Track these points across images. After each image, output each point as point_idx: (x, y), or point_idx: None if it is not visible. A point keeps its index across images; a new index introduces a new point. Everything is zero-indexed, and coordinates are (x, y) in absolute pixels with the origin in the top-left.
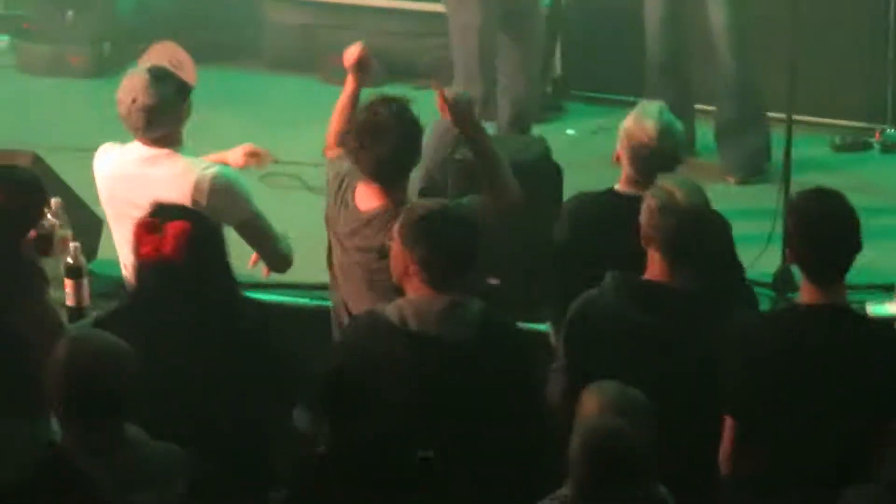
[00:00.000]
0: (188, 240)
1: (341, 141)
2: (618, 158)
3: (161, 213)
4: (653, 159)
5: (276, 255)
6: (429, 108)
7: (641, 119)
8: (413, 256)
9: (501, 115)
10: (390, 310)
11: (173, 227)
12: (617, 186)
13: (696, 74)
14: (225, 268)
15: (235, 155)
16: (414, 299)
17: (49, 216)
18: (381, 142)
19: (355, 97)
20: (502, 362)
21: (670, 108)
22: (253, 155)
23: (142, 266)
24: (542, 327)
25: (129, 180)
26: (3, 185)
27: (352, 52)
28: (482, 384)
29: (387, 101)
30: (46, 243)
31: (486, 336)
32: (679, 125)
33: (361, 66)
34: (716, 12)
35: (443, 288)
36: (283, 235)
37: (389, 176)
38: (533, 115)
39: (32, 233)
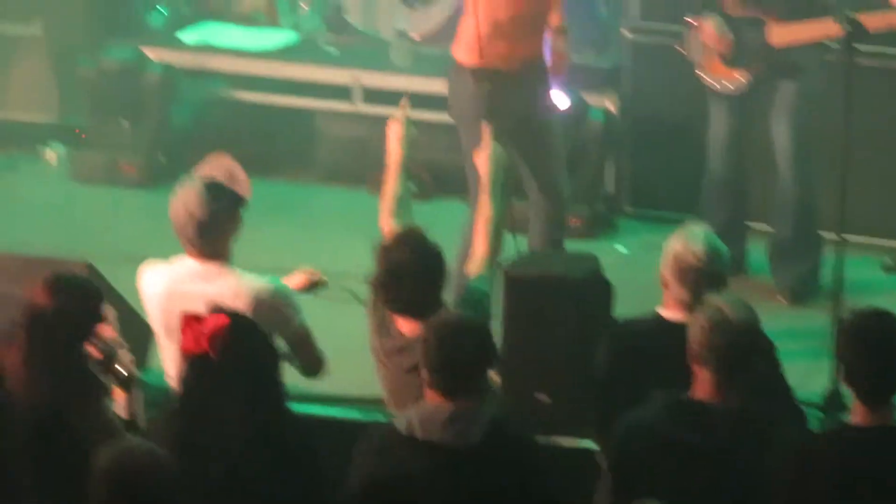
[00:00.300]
0: (228, 335)
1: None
2: (663, 281)
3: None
4: (700, 280)
5: (316, 362)
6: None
7: (688, 241)
8: (424, 363)
9: (533, 232)
10: (399, 419)
11: (214, 320)
12: (662, 310)
13: (753, 192)
14: (271, 376)
15: (291, 281)
16: (422, 407)
17: (108, 332)
18: (402, 285)
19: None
20: (509, 471)
21: (725, 225)
22: (309, 282)
23: (184, 361)
24: (590, 445)
25: (183, 296)
26: (61, 289)
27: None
28: (488, 492)
29: (402, 240)
30: (108, 363)
31: (493, 444)
32: (724, 246)
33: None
34: (779, 133)
35: (452, 395)
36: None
37: (419, 310)
38: (562, 228)
39: (97, 353)
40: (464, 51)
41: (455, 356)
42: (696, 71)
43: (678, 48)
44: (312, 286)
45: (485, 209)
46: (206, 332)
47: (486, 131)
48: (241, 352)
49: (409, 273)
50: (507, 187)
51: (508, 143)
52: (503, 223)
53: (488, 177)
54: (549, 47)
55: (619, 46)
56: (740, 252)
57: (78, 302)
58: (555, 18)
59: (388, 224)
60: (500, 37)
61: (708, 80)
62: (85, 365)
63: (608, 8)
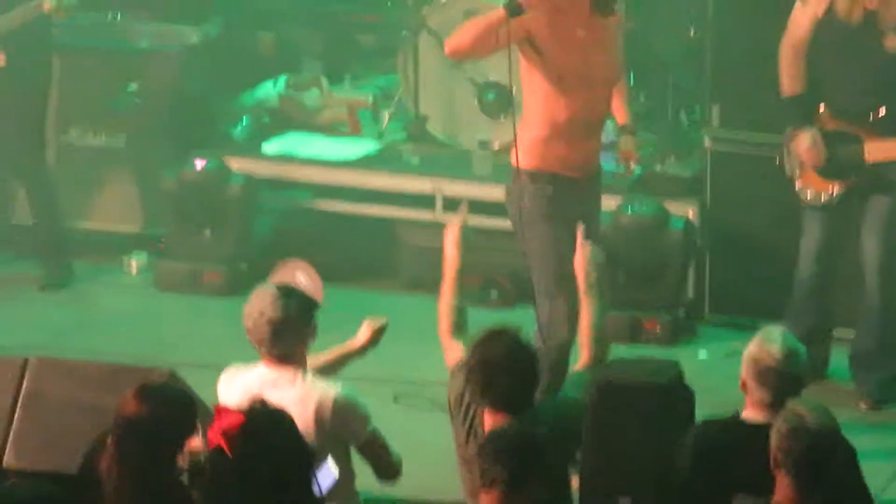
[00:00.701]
0: (243, 433)
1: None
2: (743, 385)
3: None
4: (780, 382)
5: (390, 468)
6: None
7: (766, 343)
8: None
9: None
10: None
11: (229, 417)
12: (743, 414)
13: (839, 299)
14: (295, 478)
15: (361, 338)
16: None
17: (198, 444)
18: (498, 381)
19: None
20: None
21: (810, 332)
22: (374, 331)
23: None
24: None
25: None
26: (150, 400)
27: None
28: None
29: (498, 334)
30: (196, 474)
31: None
32: (802, 347)
33: (375, 337)
34: (869, 246)
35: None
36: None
37: (514, 407)
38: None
39: (186, 465)
40: (523, 154)
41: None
42: (795, 187)
43: (777, 163)
44: (378, 334)
45: (586, 313)
46: (221, 427)
47: (580, 233)
48: (258, 451)
49: (504, 366)
50: (606, 289)
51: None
52: (606, 326)
53: (587, 279)
54: (617, 147)
55: (701, 155)
56: (823, 358)
57: (173, 412)
58: (620, 117)
59: (447, 338)
60: (558, 139)
61: (803, 192)
62: (176, 476)
63: (689, 117)
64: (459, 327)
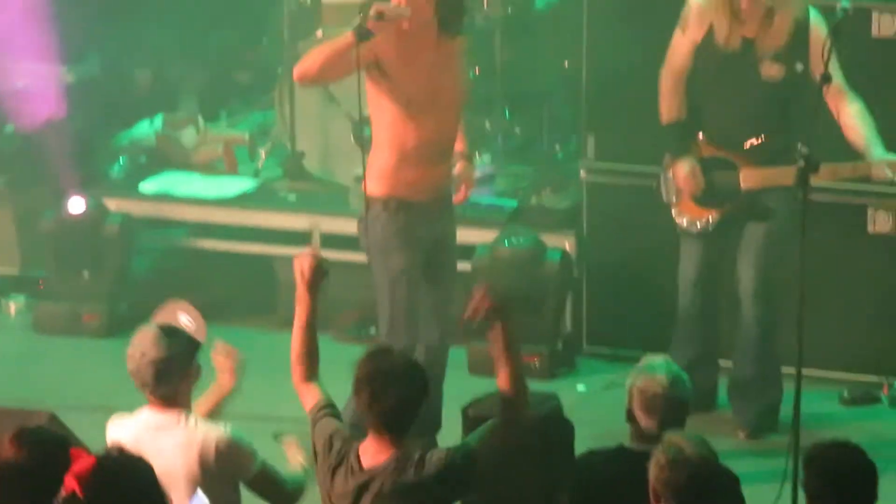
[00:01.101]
0: (94, 476)
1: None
2: (629, 415)
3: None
4: (667, 408)
5: (287, 497)
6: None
7: (650, 371)
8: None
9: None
10: None
11: (82, 461)
12: (628, 443)
13: (722, 329)
14: None
15: (223, 381)
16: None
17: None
18: (386, 393)
19: (314, 315)
20: None
21: (694, 361)
22: (235, 368)
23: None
24: None
25: (142, 450)
26: (27, 444)
27: (305, 265)
28: None
29: (384, 350)
30: None
31: None
32: (685, 374)
33: (315, 278)
34: (744, 272)
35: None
36: (291, 474)
37: (400, 424)
38: (443, 367)
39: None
40: (373, 181)
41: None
42: (672, 213)
43: (654, 188)
44: (239, 369)
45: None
46: (73, 471)
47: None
48: (108, 495)
49: (393, 377)
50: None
51: (419, 274)
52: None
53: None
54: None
55: (576, 186)
56: (711, 388)
57: (46, 454)
58: (459, 145)
59: (300, 385)
60: (408, 164)
61: (680, 219)
62: None
63: (564, 148)
64: (312, 370)
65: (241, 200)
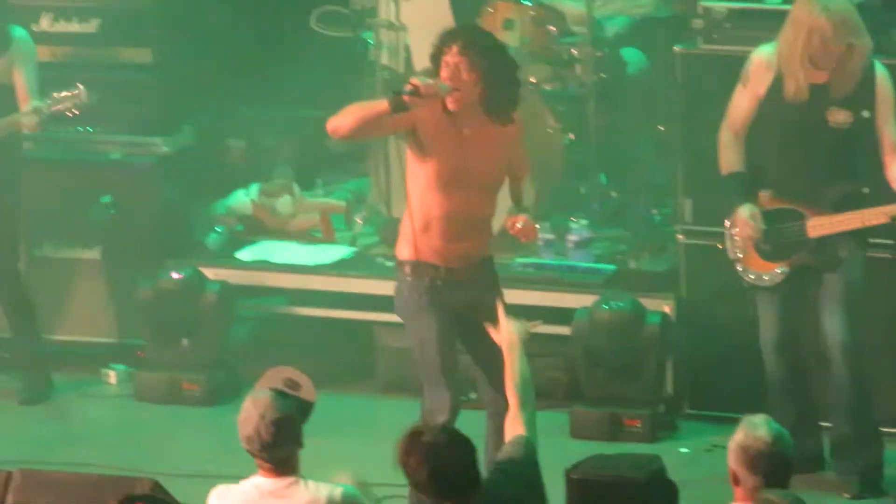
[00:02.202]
0: None
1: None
2: (733, 476)
3: None
4: (771, 466)
5: None
6: None
7: (752, 429)
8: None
9: (490, 434)
10: None
11: None
12: None
13: (816, 390)
14: None
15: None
16: None
17: None
18: (440, 466)
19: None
20: None
21: (795, 425)
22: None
23: None
24: None
25: None
26: None
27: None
28: None
29: (419, 433)
30: None
31: None
32: (787, 432)
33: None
34: (831, 328)
35: None
36: None
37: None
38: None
39: None
40: (403, 244)
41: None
42: (737, 268)
43: (719, 246)
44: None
45: (511, 373)
46: None
47: (500, 308)
48: None
49: (444, 454)
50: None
51: (460, 342)
52: (531, 383)
53: (508, 346)
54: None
55: (674, 250)
56: (815, 450)
57: None
58: (517, 202)
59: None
60: (433, 233)
61: (747, 275)
62: None
63: (661, 212)
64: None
65: (339, 267)
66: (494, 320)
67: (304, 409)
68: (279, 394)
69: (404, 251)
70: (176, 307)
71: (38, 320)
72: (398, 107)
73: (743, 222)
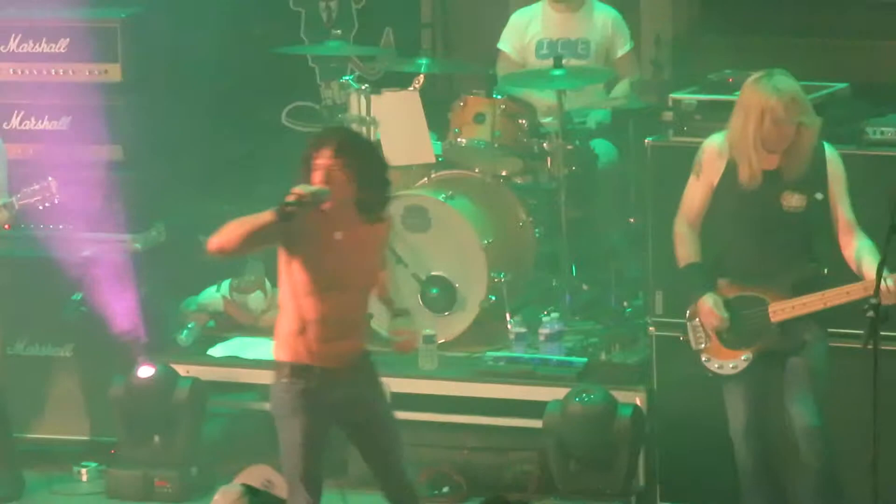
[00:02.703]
0: None
1: None
2: None
3: None
4: None
5: None
6: None
7: None
8: None
9: None
10: None
11: None
12: None
13: (785, 477)
14: None
15: None
16: None
17: None
18: None
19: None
20: None
21: None
22: None
23: None
24: None
25: None
26: None
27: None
28: None
29: None
30: None
31: None
32: None
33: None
34: (798, 412)
35: None
36: None
37: None
38: None
39: None
40: (279, 346)
41: None
42: (701, 359)
43: (681, 338)
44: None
45: None
46: None
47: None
48: None
49: None
50: None
51: (351, 442)
52: None
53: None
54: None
55: (645, 342)
56: None
57: None
58: (389, 304)
59: None
60: (308, 335)
61: (710, 364)
62: None
63: (632, 304)
64: None
65: None
66: (377, 418)
67: None
68: (249, 489)
69: (280, 352)
70: (148, 404)
71: (10, 419)
72: (285, 216)
73: (707, 312)
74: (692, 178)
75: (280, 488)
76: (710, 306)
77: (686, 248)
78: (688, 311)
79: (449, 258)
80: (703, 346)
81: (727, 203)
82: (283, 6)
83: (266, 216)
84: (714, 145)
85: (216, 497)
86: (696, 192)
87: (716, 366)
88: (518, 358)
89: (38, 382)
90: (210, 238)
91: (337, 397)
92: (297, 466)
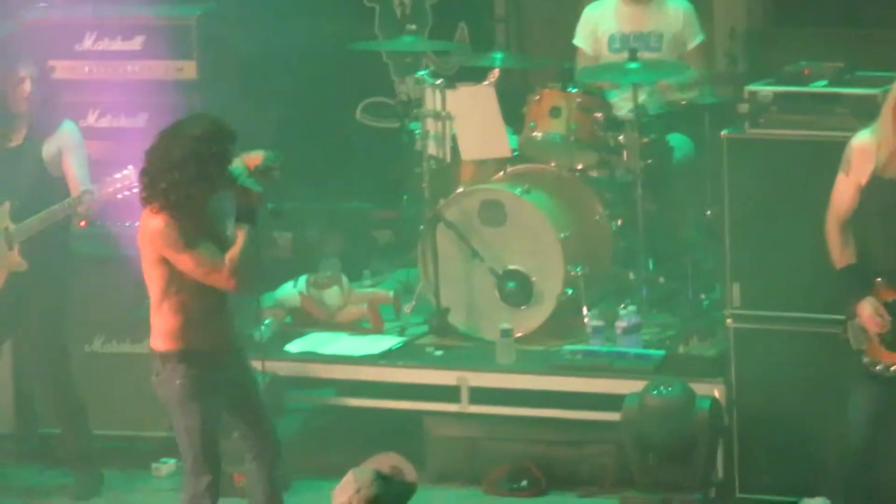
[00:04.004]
0: None
1: None
2: None
3: None
4: None
5: None
6: None
7: None
8: None
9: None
10: None
11: None
12: None
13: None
14: None
15: None
16: None
17: None
18: None
19: None
20: None
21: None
22: None
23: None
24: None
25: None
26: None
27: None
28: None
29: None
30: None
31: None
32: None
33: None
34: None
35: None
36: None
37: None
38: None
39: None
40: (164, 339)
41: None
42: (862, 360)
43: (841, 338)
44: None
45: None
46: None
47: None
48: None
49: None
50: None
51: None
52: None
53: None
54: None
55: (723, 334)
56: None
57: None
58: None
59: None
60: (208, 322)
61: (873, 366)
62: None
63: (709, 296)
64: None
65: (388, 357)
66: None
67: (406, 492)
68: (380, 475)
69: (168, 343)
70: None
71: (89, 416)
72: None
73: (868, 319)
74: (840, 176)
75: (409, 473)
76: (870, 313)
77: (842, 251)
78: (847, 312)
79: (525, 252)
80: (863, 346)
81: (876, 202)
82: (358, 2)
83: (247, 239)
84: (862, 142)
85: (346, 478)
86: (844, 191)
87: (878, 368)
88: (595, 351)
89: (115, 379)
90: (236, 283)
91: (225, 378)
92: (200, 450)
